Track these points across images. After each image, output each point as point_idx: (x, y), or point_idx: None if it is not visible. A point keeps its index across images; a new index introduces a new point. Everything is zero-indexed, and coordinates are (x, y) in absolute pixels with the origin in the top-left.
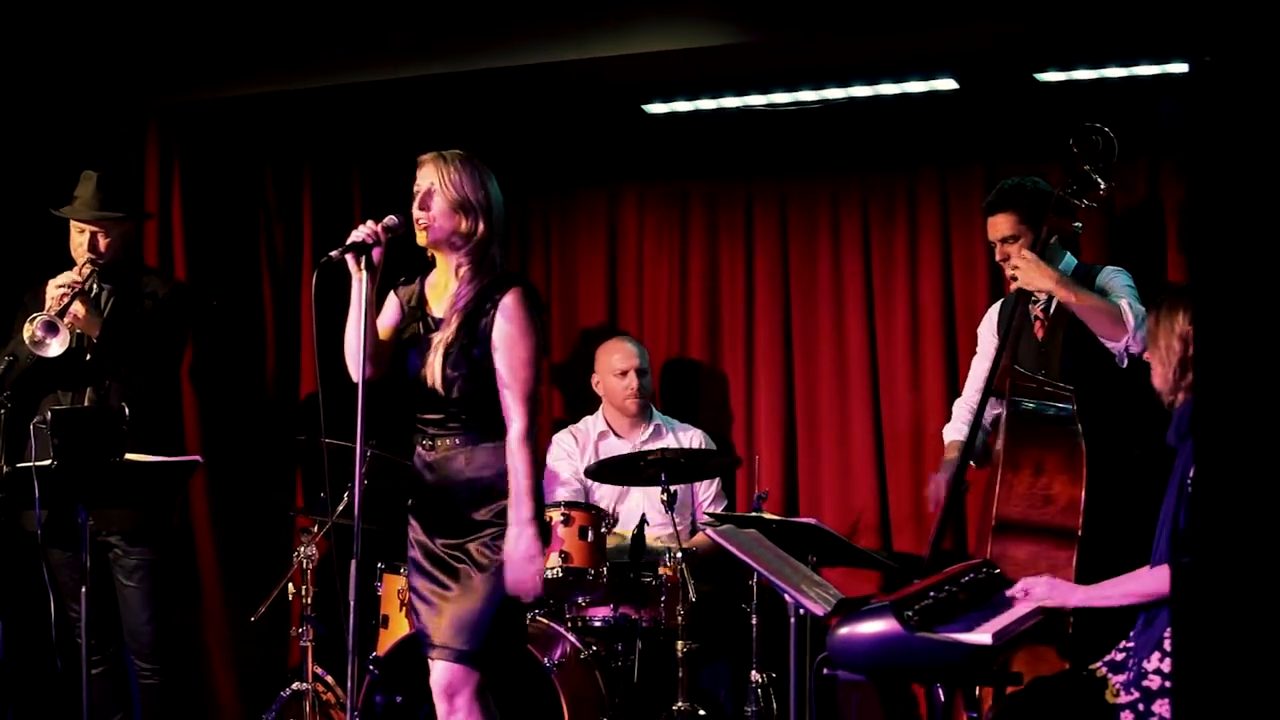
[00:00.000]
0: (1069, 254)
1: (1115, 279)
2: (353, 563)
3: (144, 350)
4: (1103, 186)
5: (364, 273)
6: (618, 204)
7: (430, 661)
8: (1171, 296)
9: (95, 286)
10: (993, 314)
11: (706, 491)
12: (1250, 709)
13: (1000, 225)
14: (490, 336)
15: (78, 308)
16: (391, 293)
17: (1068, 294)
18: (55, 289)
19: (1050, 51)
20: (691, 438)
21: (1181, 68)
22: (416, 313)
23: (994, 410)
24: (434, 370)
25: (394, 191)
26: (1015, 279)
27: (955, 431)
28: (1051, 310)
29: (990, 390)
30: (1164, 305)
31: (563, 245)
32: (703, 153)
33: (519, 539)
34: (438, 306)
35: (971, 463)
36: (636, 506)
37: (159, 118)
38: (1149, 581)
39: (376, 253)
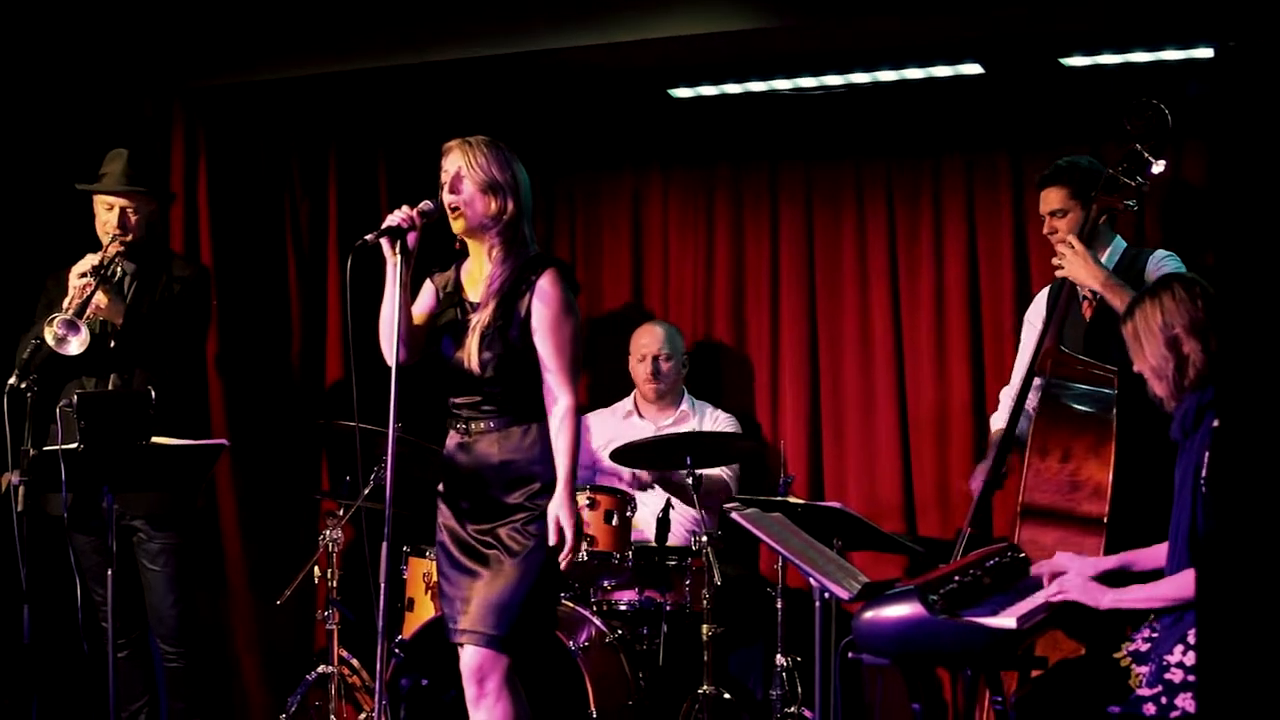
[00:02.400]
0: (1118, 236)
1: (1164, 269)
2: (384, 545)
3: (167, 335)
4: (1154, 165)
5: (399, 257)
6: (643, 188)
7: (460, 646)
8: (1140, 306)
9: (119, 269)
10: (1040, 299)
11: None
12: (1276, 704)
13: (1050, 199)
14: (528, 319)
15: (99, 299)
16: (427, 280)
17: (1114, 297)
18: (77, 279)
19: (1076, 36)
20: (718, 421)
21: (1207, 52)
22: (453, 298)
23: (1036, 396)
24: (471, 352)
25: (419, 175)
26: (1062, 267)
27: (1001, 420)
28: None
29: (1033, 372)
30: (1136, 317)
31: (588, 230)
32: (728, 137)
33: (561, 507)
34: (473, 292)
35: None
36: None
37: (185, 101)
38: (1175, 587)
39: (412, 237)
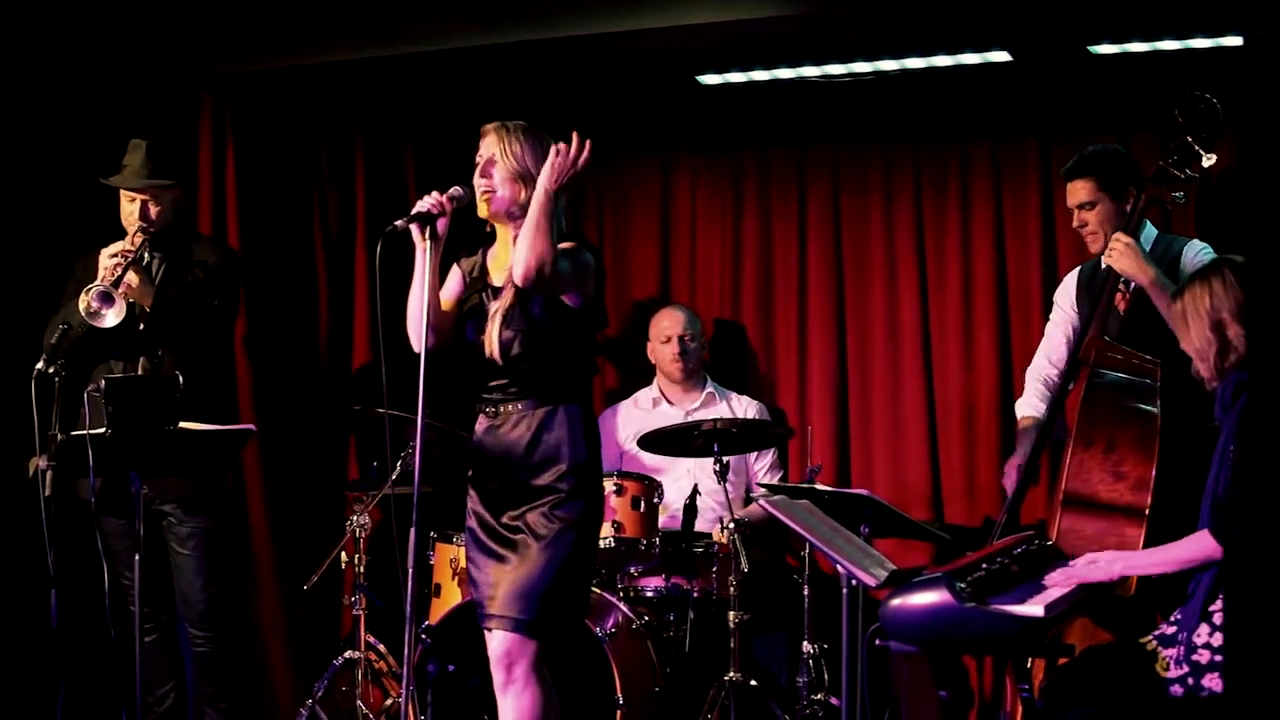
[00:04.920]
0: (1148, 223)
1: (1201, 264)
2: (412, 531)
3: (196, 318)
4: (1205, 158)
5: (428, 242)
6: (671, 175)
7: (488, 631)
8: (1191, 288)
9: (147, 255)
10: (1069, 282)
11: (760, 461)
12: None
13: (1078, 190)
14: (549, 293)
15: (131, 277)
16: (455, 264)
17: (1160, 297)
18: (109, 259)
19: (1104, 24)
20: (746, 407)
21: (1236, 41)
22: (478, 283)
23: (1076, 386)
24: (492, 338)
25: (447, 161)
26: (1111, 257)
27: (1029, 406)
28: (1134, 283)
29: (1075, 364)
30: (1185, 298)
31: (616, 216)
32: (756, 123)
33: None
34: (498, 276)
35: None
36: (686, 476)
37: (213, 87)
38: (1190, 547)
39: (441, 223)
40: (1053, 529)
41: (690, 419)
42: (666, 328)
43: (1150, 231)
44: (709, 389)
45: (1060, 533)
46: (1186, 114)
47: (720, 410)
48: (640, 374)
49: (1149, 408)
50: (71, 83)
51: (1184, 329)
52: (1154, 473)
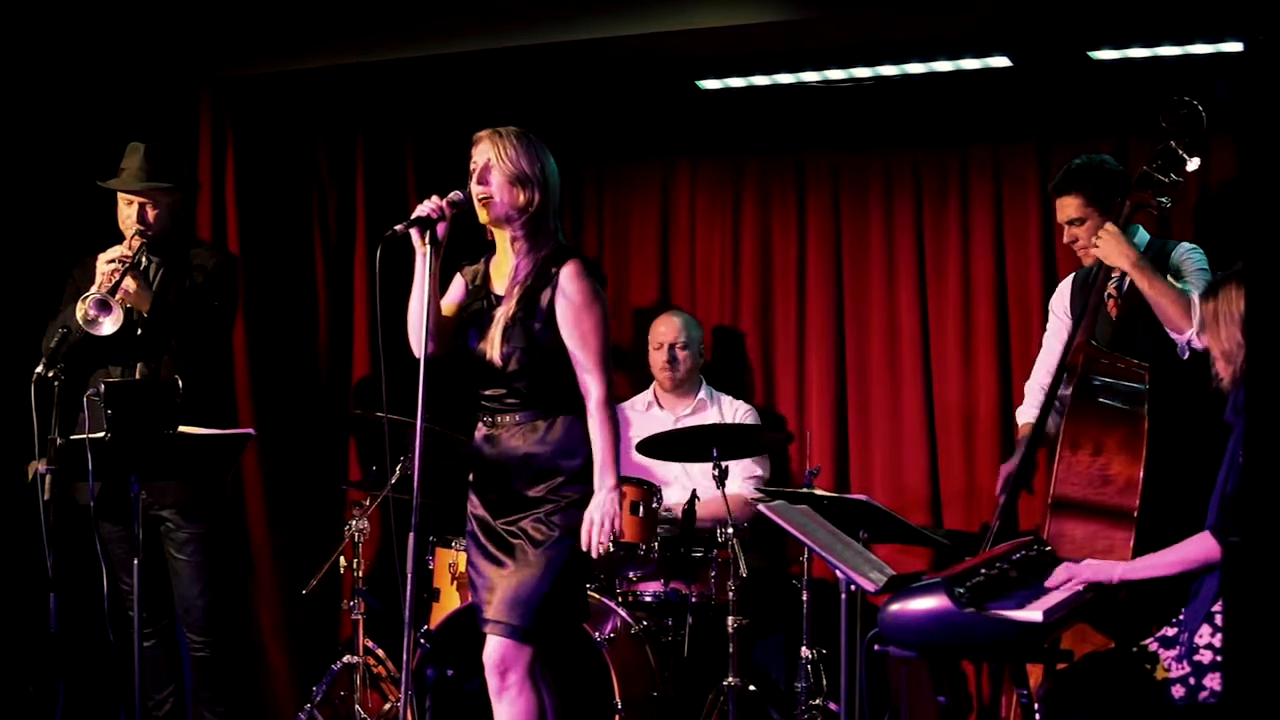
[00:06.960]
0: (1140, 228)
1: (1189, 260)
2: (410, 535)
3: (194, 323)
4: (1189, 162)
5: (428, 247)
6: (671, 179)
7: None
8: (1226, 288)
9: (144, 260)
10: (1064, 289)
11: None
12: None
13: (1067, 207)
14: (551, 313)
15: (129, 283)
16: (458, 272)
17: (1142, 278)
18: (105, 264)
19: (1104, 29)
20: (737, 411)
21: (1236, 46)
22: (480, 291)
23: (1066, 390)
24: (493, 345)
25: (447, 164)
26: (1097, 247)
27: (1028, 414)
28: (1124, 288)
29: (1064, 368)
30: (1220, 298)
31: (615, 220)
32: (756, 128)
33: (604, 502)
34: (499, 284)
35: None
36: (677, 481)
37: (212, 91)
38: (1192, 548)
39: (441, 228)
40: (1045, 534)
41: (681, 424)
42: (661, 334)
43: (1142, 236)
44: (701, 394)
45: (1050, 537)
46: (1171, 118)
47: (711, 415)
48: (641, 378)
49: (1137, 411)
50: (71, 85)
51: (1214, 328)
52: (1141, 475)
